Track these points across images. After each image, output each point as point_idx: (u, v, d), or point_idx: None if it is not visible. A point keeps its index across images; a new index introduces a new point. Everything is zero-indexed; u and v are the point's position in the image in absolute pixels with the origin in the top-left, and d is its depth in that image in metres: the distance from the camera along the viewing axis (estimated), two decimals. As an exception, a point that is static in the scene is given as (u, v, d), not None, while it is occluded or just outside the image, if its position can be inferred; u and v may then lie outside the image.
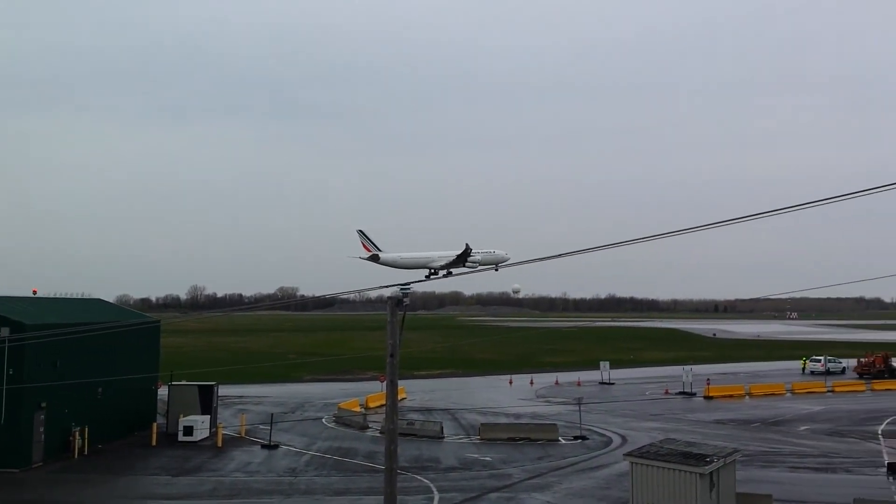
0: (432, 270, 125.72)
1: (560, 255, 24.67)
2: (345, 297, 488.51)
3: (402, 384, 77.06)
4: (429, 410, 75.13)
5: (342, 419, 67.12)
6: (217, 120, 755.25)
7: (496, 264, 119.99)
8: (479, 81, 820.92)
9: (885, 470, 47.09)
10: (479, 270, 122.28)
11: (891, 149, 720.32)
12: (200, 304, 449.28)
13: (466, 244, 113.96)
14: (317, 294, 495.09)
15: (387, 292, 22.75)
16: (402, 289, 22.35)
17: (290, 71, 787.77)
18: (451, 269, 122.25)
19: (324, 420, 68.40)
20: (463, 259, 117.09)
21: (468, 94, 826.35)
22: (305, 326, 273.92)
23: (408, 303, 22.17)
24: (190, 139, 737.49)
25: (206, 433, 58.81)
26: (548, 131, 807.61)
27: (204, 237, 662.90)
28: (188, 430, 57.71)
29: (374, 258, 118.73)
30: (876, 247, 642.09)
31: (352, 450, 54.68)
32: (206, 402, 61.28)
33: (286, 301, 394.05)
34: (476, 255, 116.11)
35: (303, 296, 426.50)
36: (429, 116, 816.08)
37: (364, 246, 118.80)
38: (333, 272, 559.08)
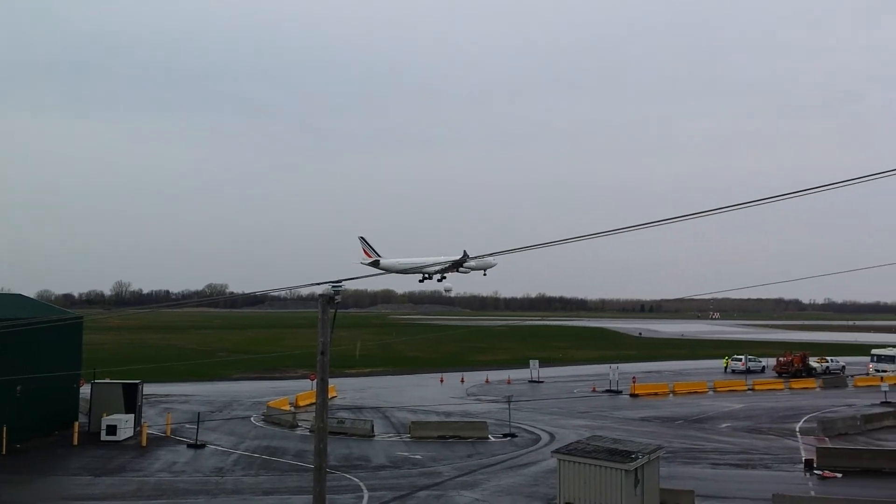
0: (427, 275, 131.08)
1: (493, 253, 24.96)
2: (275, 294, 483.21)
3: (332, 382, 76.86)
4: (359, 409, 74.93)
5: (271, 418, 66.46)
6: (143, 112, 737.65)
7: (485, 269, 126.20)
8: (412, 80, 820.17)
9: (802, 466, 48.56)
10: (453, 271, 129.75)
11: (811, 154, 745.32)
12: (125, 300, 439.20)
13: (465, 251, 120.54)
14: (247, 291, 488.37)
15: (318, 290, 22.54)
16: (333, 286, 22.22)
17: (222, 64, 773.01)
18: (445, 274, 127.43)
19: (252, 419, 67.62)
20: (458, 265, 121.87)
21: (402, 93, 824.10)
22: (235, 324, 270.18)
23: (339, 300, 22.07)
24: (114, 131, 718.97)
25: (130, 432, 57.58)
26: (482, 131, 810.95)
27: (130, 232, 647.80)
28: (111, 430, 56.41)
29: (375, 263, 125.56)
30: (795, 250, 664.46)
31: (281, 449, 54.20)
32: (131, 401, 59.98)
33: (215, 298, 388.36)
34: (470, 262, 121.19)
35: (232, 293, 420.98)
36: (361, 113, 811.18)
37: (365, 252, 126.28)
38: (264, 269, 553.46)
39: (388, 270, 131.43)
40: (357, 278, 24.48)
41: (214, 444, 55.42)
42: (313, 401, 63.29)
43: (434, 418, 66.92)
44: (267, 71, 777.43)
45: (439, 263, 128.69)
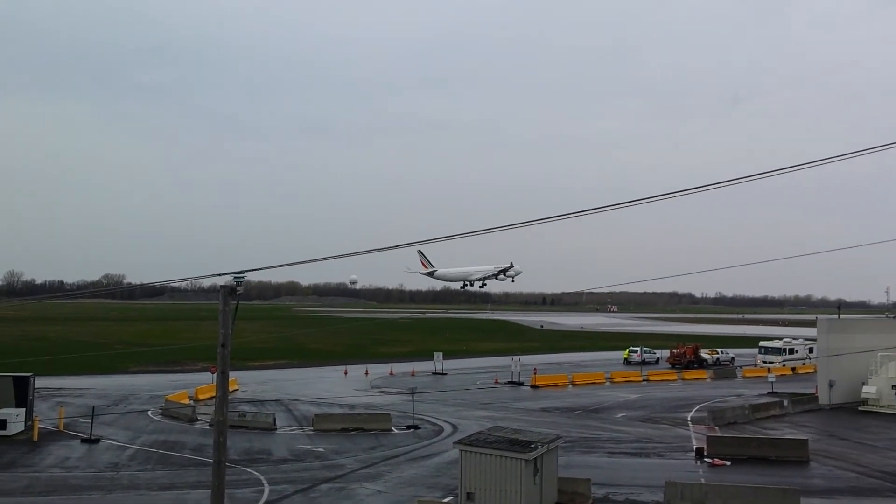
0: (469, 282, 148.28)
1: (397, 245, 25.19)
2: (175, 285, 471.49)
3: (234, 375, 75.65)
4: (261, 402, 74.11)
5: (169, 411, 65.14)
6: (30, 95, 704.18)
7: (514, 276, 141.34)
8: (313, 69, 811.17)
9: (693, 454, 50.45)
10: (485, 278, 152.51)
11: (702, 152, 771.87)
12: (17, 290, 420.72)
13: (511, 262, 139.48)
14: (145, 282, 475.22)
15: (220, 281, 22.30)
16: (235, 277, 22.02)
17: (111, 46, 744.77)
18: (485, 282, 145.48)
19: (150, 413, 66.11)
20: (502, 272, 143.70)
21: (300, 82, 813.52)
22: (133, 316, 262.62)
23: (241, 292, 21.87)
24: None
25: (20, 427, 55.46)
26: (377, 124, 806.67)
27: (22, 220, 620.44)
28: (1, 424, 54.32)
29: (431, 273, 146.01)
30: (689, 245, 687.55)
31: (179, 443, 53.26)
32: (22, 394, 57.63)
33: (112, 289, 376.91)
34: (511, 271, 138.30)
35: (130, 283, 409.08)
36: (261, 101, 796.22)
37: (423, 263, 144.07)
38: (163, 259, 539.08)
39: (441, 279, 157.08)
40: (260, 269, 24.27)
41: (109, 439, 53.99)
42: (213, 394, 62.37)
43: (337, 411, 66.86)
44: (164, 54, 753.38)
45: (479, 272, 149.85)
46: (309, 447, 52.38)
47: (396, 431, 58.64)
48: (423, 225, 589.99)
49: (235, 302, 21.39)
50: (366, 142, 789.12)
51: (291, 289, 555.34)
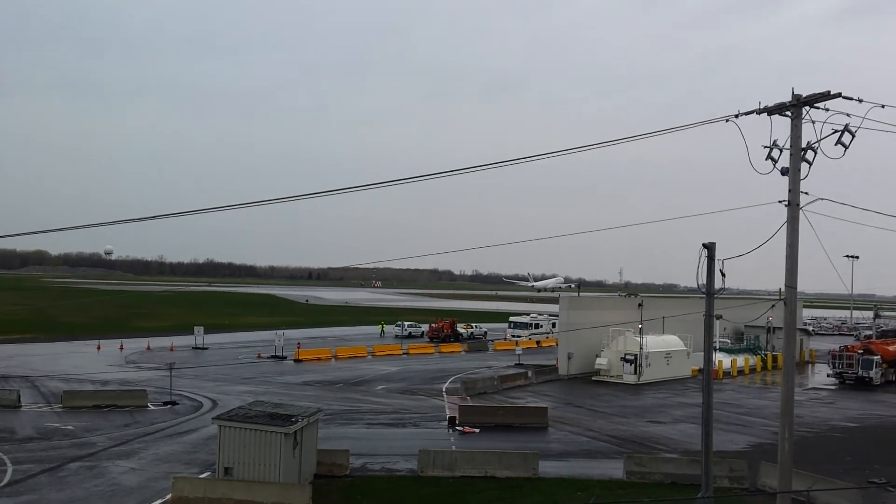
0: (545, 289, 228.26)
1: (155, 216, 25.07)
2: None
3: (-28, 351, 70.19)
4: (4, 378, 69.29)
5: None
6: None
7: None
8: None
9: (446, 423, 53.51)
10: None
11: (472, 134, 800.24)
12: None
13: (578, 285, 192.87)
14: None
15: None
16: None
17: None
18: (555, 290, 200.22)
19: None
20: (570, 286, 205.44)
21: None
22: None
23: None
24: None
25: None
26: (142, 84, 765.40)
27: None
28: None
29: (532, 287, 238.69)
30: (448, 224, 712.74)
31: None
32: None
33: None
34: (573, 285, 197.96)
35: None
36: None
37: (528, 279, 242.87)
38: None
39: (536, 290, 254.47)
40: (2, 237, 23.18)
41: None
42: (-52, 371, 57.81)
43: (89, 387, 64.12)
44: None
45: (549, 285, 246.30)
46: (57, 425, 50.11)
47: (153, 408, 57.30)
48: (188, 194, 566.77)
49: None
50: (128, 102, 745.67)
51: (39, 258, 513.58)
